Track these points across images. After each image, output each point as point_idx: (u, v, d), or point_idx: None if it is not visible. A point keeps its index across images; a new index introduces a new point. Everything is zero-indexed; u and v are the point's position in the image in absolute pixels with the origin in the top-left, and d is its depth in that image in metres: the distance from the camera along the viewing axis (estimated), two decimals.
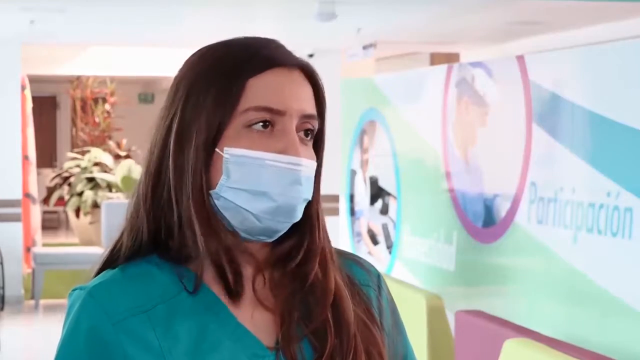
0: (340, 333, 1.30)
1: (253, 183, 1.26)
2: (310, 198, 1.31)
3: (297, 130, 1.30)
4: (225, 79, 1.28)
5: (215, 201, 1.28)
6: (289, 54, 1.33)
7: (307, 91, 1.32)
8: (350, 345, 1.30)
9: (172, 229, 1.30)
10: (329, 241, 1.36)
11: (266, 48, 1.31)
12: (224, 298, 1.30)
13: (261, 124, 1.27)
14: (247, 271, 1.31)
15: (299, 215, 1.30)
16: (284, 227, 1.29)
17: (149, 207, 1.30)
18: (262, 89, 1.28)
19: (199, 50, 1.34)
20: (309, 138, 1.32)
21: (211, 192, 1.28)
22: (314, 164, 1.31)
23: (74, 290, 1.31)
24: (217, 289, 1.30)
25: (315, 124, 1.33)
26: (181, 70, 1.33)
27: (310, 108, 1.31)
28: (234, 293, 1.29)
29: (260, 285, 1.32)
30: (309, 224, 1.33)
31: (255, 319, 1.30)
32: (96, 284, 1.30)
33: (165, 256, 1.30)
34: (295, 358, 1.28)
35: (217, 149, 1.27)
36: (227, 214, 1.28)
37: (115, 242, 1.34)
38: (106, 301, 1.27)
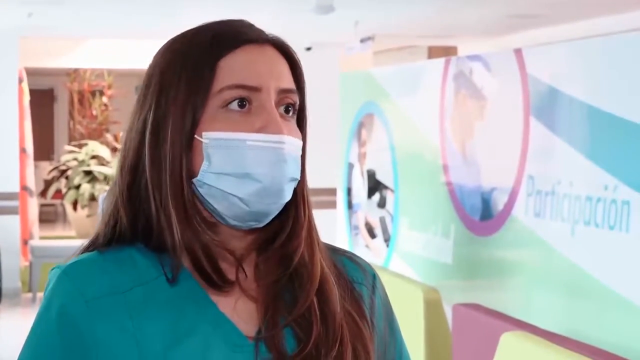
0: (326, 322, 1.26)
1: (236, 166, 1.22)
2: (298, 177, 1.27)
3: (277, 106, 1.26)
4: (195, 63, 1.25)
5: (199, 189, 1.25)
6: (258, 30, 1.29)
7: (282, 66, 1.28)
8: (337, 336, 1.26)
9: (152, 220, 1.27)
10: (315, 226, 1.33)
11: (233, 27, 1.28)
12: (205, 286, 1.26)
13: (237, 102, 1.24)
14: (229, 260, 1.27)
15: (287, 195, 1.25)
16: (274, 210, 1.25)
17: (126, 202, 1.28)
18: (234, 68, 1.24)
19: (167, 41, 1.32)
20: (290, 114, 1.28)
21: (193, 180, 1.25)
22: (299, 142, 1.27)
23: (52, 269, 1.30)
24: (198, 277, 1.27)
25: (296, 98, 1.29)
26: (151, 63, 1.31)
27: (287, 82, 1.27)
28: (214, 285, 1.26)
29: (244, 274, 1.28)
30: (294, 203, 1.29)
31: (238, 309, 1.26)
32: (72, 263, 1.27)
33: (149, 245, 1.28)
34: (278, 348, 1.24)
35: (195, 135, 1.24)
36: (213, 200, 1.24)
37: (96, 233, 1.32)
38: (81, 279, 1.25)
